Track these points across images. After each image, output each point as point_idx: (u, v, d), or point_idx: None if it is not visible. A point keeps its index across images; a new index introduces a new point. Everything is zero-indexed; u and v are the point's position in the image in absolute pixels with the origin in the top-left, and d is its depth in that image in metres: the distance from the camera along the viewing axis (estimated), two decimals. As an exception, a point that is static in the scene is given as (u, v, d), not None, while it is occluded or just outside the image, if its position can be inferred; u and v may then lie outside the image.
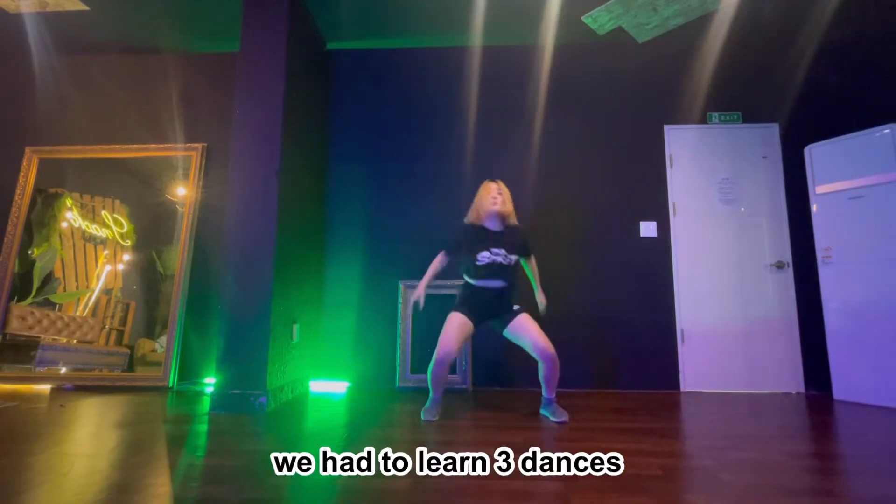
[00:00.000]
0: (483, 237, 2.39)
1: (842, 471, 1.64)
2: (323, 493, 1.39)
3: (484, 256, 2.33)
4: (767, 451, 1.81)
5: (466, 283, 2.44)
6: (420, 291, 2.45)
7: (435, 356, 2.29)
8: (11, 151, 3.51)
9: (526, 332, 2.31)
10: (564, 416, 2.30)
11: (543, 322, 3.34)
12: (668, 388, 3.18)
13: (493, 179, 2.50)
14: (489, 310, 2.40)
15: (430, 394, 2.39)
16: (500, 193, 2.41)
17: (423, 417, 2.30)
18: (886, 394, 2.70)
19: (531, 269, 2.59)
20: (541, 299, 2.57)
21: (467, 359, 3.19)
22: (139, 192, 3.52)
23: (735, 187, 3.36)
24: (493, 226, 2.42)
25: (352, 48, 3.62)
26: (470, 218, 2.50)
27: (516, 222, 2.50)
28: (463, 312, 2.35)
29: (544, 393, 2.38)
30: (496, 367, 3.23)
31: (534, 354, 2.30)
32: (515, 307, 2.40)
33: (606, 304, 3.28)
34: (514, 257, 2.38)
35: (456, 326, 2.32)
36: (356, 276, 3.39)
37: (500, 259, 2.34)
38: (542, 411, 2.40)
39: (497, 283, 2.36)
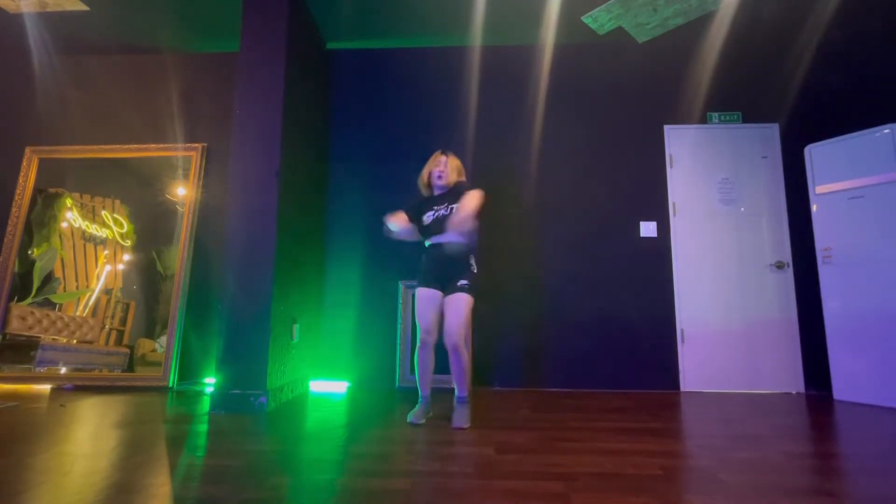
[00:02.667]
0: (427, 201, 2.44)
1: (842, 471, 1.64)
2: (323, 493, 1.39)
3: (428, 216, 2.37)
4: (767, 451, 1.81)
5: (422, 249, 2.44)
6: (395, 218, 2.37)
7: (417, 338, 2.27)
8: (11, 151, 3.51)
9: (450, 308, 2.22)
10: (462, 423, 2.14)
11: (546, 319, 3.36)
12: (668, 388, 3.18)
13: (443, 151, 2.50)
14: (447, 270, 2.30)
15: (419, 392, 2.32)
16: (445, 166, 2.43)
17: (408, 419, 2.22)
18: (886, 394, 2.70)
19: None
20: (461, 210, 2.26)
21: (467, 359, 3.19)
22: (139, 192, 3.52)
23: (735, 187, 3.35)
24: (438, 192, 2.45)
25: (352, 48, 3.62)
26: (419, 184, 2.52)
27: (461, 176, 2.51)
28: (424, 284, 2.31)
29: (455, 390, 2.26)
30: (495, 366, 3.23)
31: (443, 335, 2.21)
32: (463, 282, 2.25)
33: (606, 304, 3.28)
34: (455, 205, 2.31)
35: (424, 300, 2.28)
36: (356, 276, 3.38)
37: (442, 212, 2.34)
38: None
39: (445, 238, 2.30)
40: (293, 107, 2.88)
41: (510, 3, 3.06)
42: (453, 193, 2.38)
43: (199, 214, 3.40)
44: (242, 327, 2.53)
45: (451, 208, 2.34)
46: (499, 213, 3.31)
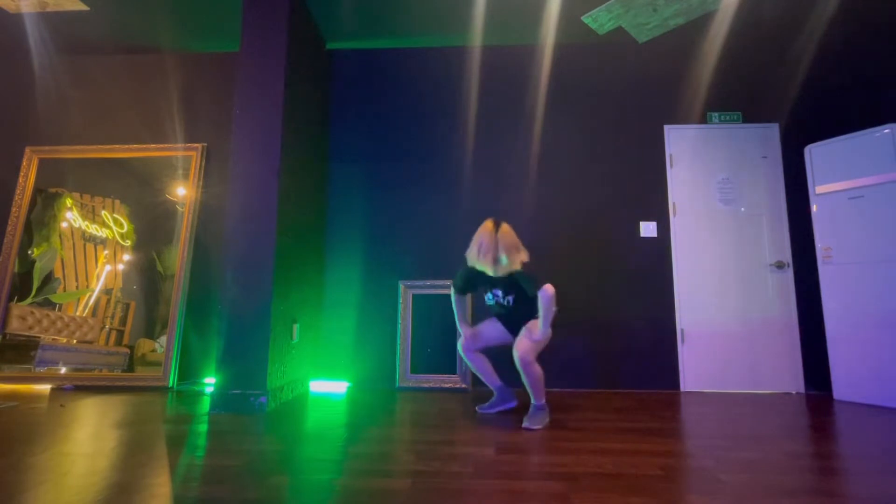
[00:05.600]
0: (484, 279, 2.36)
1: (842, 471, 1.64)
2: (323, 493, 1.39)
3: (489, 298, 2.41)
4: (767, 451, 1.81)
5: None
6: (466, 330, 2.45)
7: (460, 347, 2.45)
8: (11, 151, 3.51)
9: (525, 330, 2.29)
10: (536, 424, 2.14)
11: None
12: (668, 388, 3.18)
13: (495, 222, 2.28)
14: (518, 326, 2.37)
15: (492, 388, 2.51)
16: (491, 247, 2.21)
17: (478, 410, 2.49)
18: (886, 394, 2.70)
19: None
20: (533, 327, 2.23)
21: (467, 359, 3.19)
22: (139, 192, 3.52)
23: (735, 187, 3.35)
24: (489, 269, 2.27)
25: (352, 48, 3.62)
26: (469, 257, 2.33)
27: (516, 264, 2.22)
28: (498, 320, 2.47)
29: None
30: (496, 367, 3.22)
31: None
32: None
33: (606, 304, 3.28)
34: (511, 297, 2.32)
35: (495, 324, 2.45)
36: (356, 275, 3.39)
37: (501, 299, 2.35)
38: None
39: (512, 317, 2.40)
40: (293, 107, 2.88)
41: (510, 3, 3.06)
42: (509, 281, 2.26)
43: (199, 214, 3.40)
44: (242, 327, 2.53)
45: (509, 299, 2.31)
46: (498, 213, 3.31)
